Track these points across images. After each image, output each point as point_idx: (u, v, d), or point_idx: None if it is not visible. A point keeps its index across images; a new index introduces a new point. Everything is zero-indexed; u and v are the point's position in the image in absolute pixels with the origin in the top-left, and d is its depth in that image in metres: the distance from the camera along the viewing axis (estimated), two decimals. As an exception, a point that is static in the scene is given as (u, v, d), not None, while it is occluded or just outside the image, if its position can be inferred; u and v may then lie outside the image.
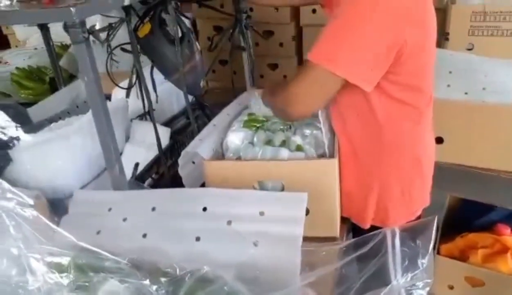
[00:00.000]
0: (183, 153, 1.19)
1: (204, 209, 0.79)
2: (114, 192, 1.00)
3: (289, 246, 0.70)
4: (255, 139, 1.22)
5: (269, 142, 1.19)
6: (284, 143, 1.17)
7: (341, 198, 1.20)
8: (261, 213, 0.77)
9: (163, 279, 0.68)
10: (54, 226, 0.64)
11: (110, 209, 0.84)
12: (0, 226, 0.63)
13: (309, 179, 1.05)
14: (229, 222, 0.76)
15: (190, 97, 1.67)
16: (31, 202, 0.64)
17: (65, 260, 0.65)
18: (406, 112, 1.08)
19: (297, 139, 1.17)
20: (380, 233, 0.65)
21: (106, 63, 1.35)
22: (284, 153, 1.12)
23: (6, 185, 0.63)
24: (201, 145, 1.17)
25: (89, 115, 1.25)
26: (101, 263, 0.67)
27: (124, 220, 0.81)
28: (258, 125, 1.30)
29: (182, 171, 1.21)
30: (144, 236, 0.77)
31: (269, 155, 1.12)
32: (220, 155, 1.25)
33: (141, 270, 0.69)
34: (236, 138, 1.23)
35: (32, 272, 0.64)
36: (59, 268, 0.65)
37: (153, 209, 0.83)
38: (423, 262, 0.61)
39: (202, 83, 1.51)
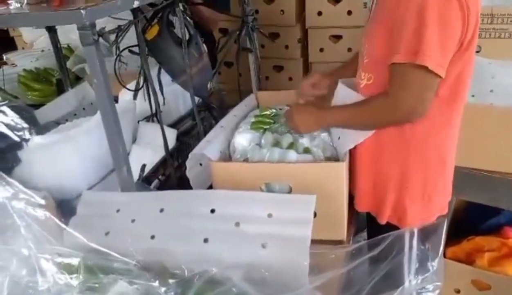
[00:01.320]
0: (190, 155, 1.19)
1: (212, 211, 0.79)
2: (122, 193, 1.00)
3: (297, 248, 0.70)
4: (262, 141, 1.22)
5: (276, 144, 1.19)
6: (291, 146, 1.17)
7: (361, 192, 1.21)
8: (269, 215, 0.77)
9: (171, 281, 0.68)
10: (64, 226, 0.64)
11: (118, 210, 0.85)
12: (11, 226, 0.64)
13: (317, 181, 1.05)
14: (237, 224, 0.76)
15: (197, 99, 1.68)
16: (42, 202, 0.64)
17: (75, 261, 0.66)
18: (441, 109, 1.07)
19: (304, 142, 1.17)
20: (391, 236, 0.64)
21: (114, 65, 1.36)
22: (292, 155, 1.12)
23: (17, 185, 0.63)
24: (208, 147, 1.17)
25: (97, 116, 1.26)
26: (110, 264, 0.67)
27: (133, 221, 0.81)
28: (265, 127, 1.30)
29: (190, 173, 1.21)
30: (153, 237, 0.78)
31: (277, 157, 1.12)
32: (227, 156, 1.25)
33: (150, 272, 0.70)
34: (243, 139, 1.23)
35: (42, 273, 0.64)
36: (69, 269, 0.65)
37: (162, 210, 0.83)
38: (433, 264, 0.61)
39: (209, 85, 1.51)
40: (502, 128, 1.48)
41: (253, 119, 1.34)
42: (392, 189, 1.16)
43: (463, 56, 1.01)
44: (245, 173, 1.11)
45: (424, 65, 0.94)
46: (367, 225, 1.36)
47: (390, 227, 1.19)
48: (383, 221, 1.20)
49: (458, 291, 1.70)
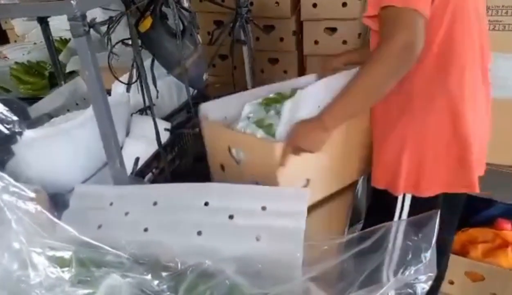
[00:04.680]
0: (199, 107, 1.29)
1: (206, 204, 0.79)
2: (115, 187, 1.00)
3: (291, 240, 0.70)
4: (253, 115, 1.26)
5: (261, 121, 1.23)
6: (268, 127, 1.19)
7: (375, 164, 1.22)
8: (263, 208, 0.77)
9: (164, 274, 0.67)
10: (56, 220, 0.63)
11: (111, 204, 0.84)
12: (2, 220, 0.63)
13: (258, 157, 1.13)
14: (231, 216, 0.76)
15: (191, 91, 1.67)
16: (33, 195, 0.63)
17: (66, 254, 0.65)
18: (438, 66, 1.07)
19: (274, 123, 1.17)
20: (383, 228, 0.64)
21: (108, 58, 1.34)
22: (259, 133, 1.17)
23: (7, 178, 0.62)
24: (215, 106, 1.29)
25: (90, 110, 1.24)
26: (102, 257, 0.67)
27: (126, 214, 0.81)
28: (275, 104, 1.30)
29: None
30: (146, 230, 0.77)
31: (249, 131, 1.20)
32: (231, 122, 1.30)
33: (143, 265, 0.69)
34: (246, 110, 1.28)
35: (33, 267, 0.64)
36: (61, 263, 0.65)
37: (155, 203, 0.82)
38: (425, 255, 0.61)
39: (204, 76, 1.50)
40: (496, 121, 1.48)
41: (271, 95, 1.35)
42: (405, 153, 1.12)
43: (444, 13, 1.03)
44: (220, 135, 1.25)
45: (390, 4, 0.96)
46: (365, 217, 1.35)
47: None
48: (398, 192, 1.17)
49: (452, 283, 1.71)
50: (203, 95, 1.75)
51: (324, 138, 1.08)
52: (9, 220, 0.64)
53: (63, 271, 0.64)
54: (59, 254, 0.65)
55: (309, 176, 1.20)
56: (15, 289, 0.64)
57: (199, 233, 0.75)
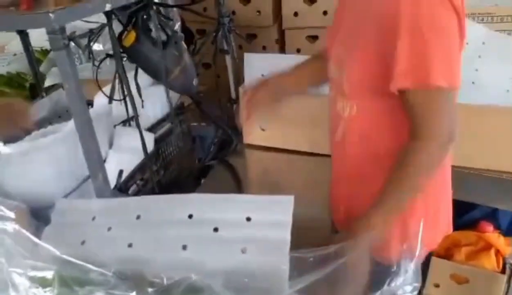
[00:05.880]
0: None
1: (190, 216, 0.78)
2: (97, 200, 0.98)
3: (276, 252, 0.70)
4: None
5: None
6: None
7: None
8: (248, 219, 0.76)
9: (150, 290, 0.67)
10: (36, 240, 0.62)
11: (94, 218, 0.83)
12: (-20, 240, 0.61)
13: None
14: (215, 229, 0.76)
15: (175, 100, 1.66)
16: (12, 215, 0.62)
17: (48, 274, 0.64)
18: None
19: None
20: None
21: (95, 72, 1.32)
22: None
23: (-16, 197, 0.61)
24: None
25: (71, 123, 1.22)
26: (86, 275, 0.65)
27: (109, 229, 0.79)
28: None
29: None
30: (130, 245, 0.76)
31: None
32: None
33: (128, 281, 0.68)
34: None
35: (14, 287, 0.62)
36: (43, 283, 0.64)
37: (138, 217, 0.81)
38: (410, 266, 0.61)
39: (194, 82, 1.50)
40: (477, 125, 1.51)
41: None
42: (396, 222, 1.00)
43: None
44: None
45: (439, 85, 0.83)
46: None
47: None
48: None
49: (438, 286, 1.72)
50: (195, 100, 1.75)
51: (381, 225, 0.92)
52: (-12, 240, 0.62)
53: (45, 291, 0.62)
54: (40, 274, 0.64)
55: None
56: (-5, 311, 0.62)
57: (184, 247, 0.74)
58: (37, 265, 0.63)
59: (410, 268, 0.61)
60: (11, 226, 0.61)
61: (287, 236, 0.71)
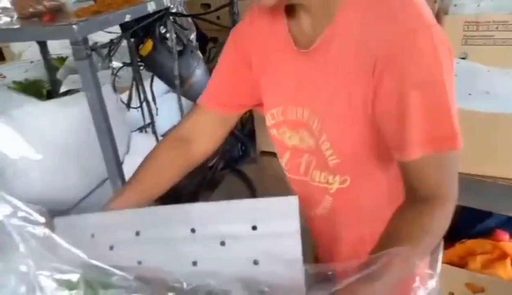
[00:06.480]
0: None
1: (193, 230, 0.74)
2: (94, 215, 0.91)
3: (290, 266, 0.67)
4: None
5: None
6: None
7: None
8: (254, 228, 0.71)
9: (170, 294, 0.67)
10: (64, 243, 0.64)
11: (93, 235, 0.78)
12: (9, 243, 0.63)
13: None
14: (222, 243, 0.71)
15: (188, 108, 1.69)
16: (42, 219, 0.64)
17: (74, 277, 0.65)
18: None
19: None
20: (387, 255, 0.63)
21: (114, 81, 1.35)
22: None
23: (16, 201, 0.63)
24: None
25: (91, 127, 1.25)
26: (109, 279, 0.67)
27: (111, 248, 0.76)
28: None
29: None
30: (139, 263, 0.73)
31: None
32: None
33: (149, 285, 0.69)
34: None
35: (41, 290, 0.64)
36: (69, 285, 0.65)
37: (137, 233, 0.76)
38: (432, 283, 0.61)
39: None
40: (491, 133, 1.50)
41: None
42: None
43: None
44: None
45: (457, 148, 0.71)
46: None
47: None
48: None
49: (452, 294, 1.71)
50: None
51: None
52: (17, 243, 0.64)
53: (71, 294, 0.64)
54: (66, 276, 0.65)
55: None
56: (21, 313, 0.64)
57: (195, 263, 0.71)
58: (63, 268, 0.65)
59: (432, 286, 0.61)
60: (40, 230, 0.63)
61: (298, 247, 0.68)
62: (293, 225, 0.69)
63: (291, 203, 0.71)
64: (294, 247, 0.68)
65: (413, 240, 0.71)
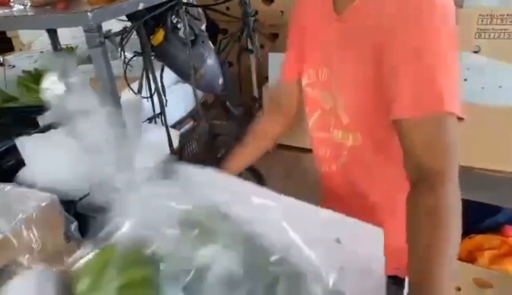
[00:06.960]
0: None
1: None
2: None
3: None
4: None
5: None
6: None
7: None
8: (337, 240, 0.67)
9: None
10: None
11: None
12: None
13: None
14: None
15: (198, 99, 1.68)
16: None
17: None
18: None
19: None
20: None
21: (125, 70, 1.35)
22: None
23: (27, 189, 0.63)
24: None
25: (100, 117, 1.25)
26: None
27: None
28: None
29: None
30: None
31: None
32: None
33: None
34: None
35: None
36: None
37: None
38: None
39: (220, 81, 1.51)
40: (500, 127, 1.49)
41: None
42: None
43: None
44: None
45: (452, 112, 0.72)
46: None
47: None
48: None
49: (459, 289, 1.71)
50: (221, 100, 1.76)
51: None
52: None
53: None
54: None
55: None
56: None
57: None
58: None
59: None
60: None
61: (381, 272, 0.64)
62: (377, 253, 0.64)
63: (376, 233, 0.65)
64: (376, 271, 0.64)
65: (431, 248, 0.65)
